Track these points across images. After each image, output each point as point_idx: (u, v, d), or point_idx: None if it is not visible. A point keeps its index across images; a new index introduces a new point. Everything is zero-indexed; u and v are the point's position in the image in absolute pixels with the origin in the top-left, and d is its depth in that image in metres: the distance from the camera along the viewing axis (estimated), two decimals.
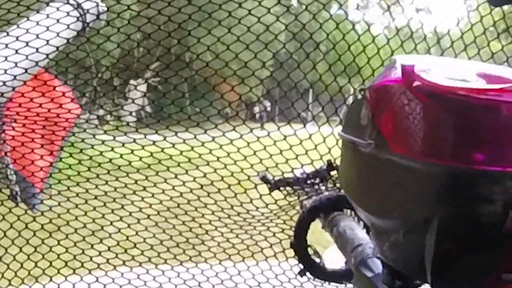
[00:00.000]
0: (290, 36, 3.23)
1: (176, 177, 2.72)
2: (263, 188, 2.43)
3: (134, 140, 2.72)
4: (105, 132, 2.79)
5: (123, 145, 2.78)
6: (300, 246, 1.92)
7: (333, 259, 1.90)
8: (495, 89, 0.88)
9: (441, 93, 0.88)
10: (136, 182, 2.72)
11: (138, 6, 2.98)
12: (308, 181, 2.26)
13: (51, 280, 2.93)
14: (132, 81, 3.04)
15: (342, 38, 3.08)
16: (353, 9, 5.70)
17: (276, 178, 2.32)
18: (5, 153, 2.60)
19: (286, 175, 2.35)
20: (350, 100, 3.83)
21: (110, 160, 2.77)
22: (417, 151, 0.90)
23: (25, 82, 2.33)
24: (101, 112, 3.47)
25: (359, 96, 1.10)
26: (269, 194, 2.42)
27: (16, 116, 2.45)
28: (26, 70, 2.28)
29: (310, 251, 1.92)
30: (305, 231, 1.92)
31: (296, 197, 2.35)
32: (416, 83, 0.91)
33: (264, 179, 2.32)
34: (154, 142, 2.80)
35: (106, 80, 3.15)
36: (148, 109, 3.77)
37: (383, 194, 1.01)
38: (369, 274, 1.29)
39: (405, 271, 1.07)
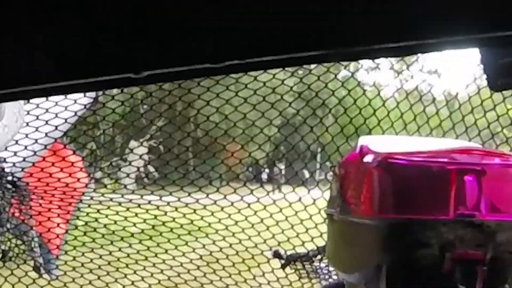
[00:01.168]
0: (301, 102, 3.49)
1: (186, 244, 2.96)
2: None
3: (139, 205, 2.97)
4: (102, 194, 3.02)
5: (127, 209, 3.00)
6: None
7: None
8: (428, 152, 1.12)
9: (381, 159, 1.12)
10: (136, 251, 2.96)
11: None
12: (319, 256, 2.46)
13: None
14: (132, 142, 3.29)
15: (354, 103, 3.33)
16: (363, 72, 5.98)
17: (288, 253, 2.52)
18: (31, 227, 2.89)
19: (298, 250, 2.57)
20: None
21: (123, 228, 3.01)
22: (367, 210, 1.14)
23: (44, 158, 2.66)
24: (98, 174, 3.72)
25: (331, 172, 1.38)
26: (282, 269, 2.61)
27: (36, 189, 2.75)
28: (45, 146, 2.60)
29: None
30: None
31: (306, 275, 2.54)
32: (366, 156, 1.16)
33: (277, 255, 2.52)
34: (158, 207, 3.02)
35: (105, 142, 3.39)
36: (150, 168, 3.99)
37: (348, 252, 1.25)
38: None
39: None
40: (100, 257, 2.98)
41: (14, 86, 0.49)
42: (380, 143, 1.21)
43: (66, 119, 2.65)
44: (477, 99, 3.09)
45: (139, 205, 3.01)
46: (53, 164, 2.73)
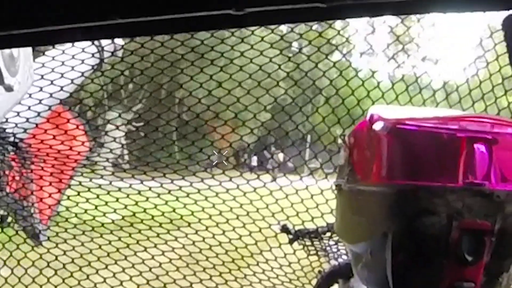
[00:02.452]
0: (291, 83, 3.50)
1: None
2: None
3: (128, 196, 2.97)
4: (82, 174, 3.01)
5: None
6: None
7: None
8: (439, 118, 1.15)
9: (391, 125, 1.15)
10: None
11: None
12: (328, 233, 2.49)
13: None
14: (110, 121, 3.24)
15: (346, 84, 3.35)
16: (357, 57, 6.02)
17: (297, 228, 2.55)
18: (32, 192, 2.88)
19: (307, 226, 2.61)
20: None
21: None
22: (375, 176, 1.17)
23: (48, 120, 2.63)
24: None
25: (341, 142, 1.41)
26: (290, 244, 2.64)
27: (39, 152, 2.73)
28: (50, 107, 2.58)
29: None
30: None
31: (315, 252, 2.57)
32: (375, 123, 1.19)
33: (285, 229, 2.55)
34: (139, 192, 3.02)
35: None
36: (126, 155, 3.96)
37: (355, 222, 1.28)
38: None
39: (374, 287, 1.30)
40: (82, 244, 2.98)
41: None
42: (391, 112, 1.23)
43: (72, 80, 2.63)
44: (477, 89, 3.11)
45: (119, 189, 3.01)
46: (57, 126, 2.71)
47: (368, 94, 3.27)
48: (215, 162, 3.27)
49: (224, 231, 2.93)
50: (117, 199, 3.00)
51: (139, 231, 3.01)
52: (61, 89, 2.62)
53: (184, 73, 2.87)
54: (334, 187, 1.44)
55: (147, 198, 3.03)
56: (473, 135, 1.10)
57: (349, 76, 3.56)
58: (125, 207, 3.01)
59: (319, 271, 2.18)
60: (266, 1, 0.49)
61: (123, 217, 3.18)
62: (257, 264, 3.00)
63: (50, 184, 2.87)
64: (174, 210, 3.05)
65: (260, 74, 2.96)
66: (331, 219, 2.58)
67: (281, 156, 5.17)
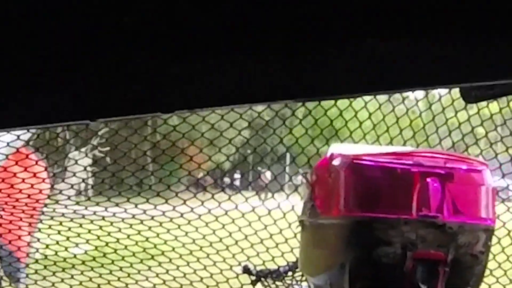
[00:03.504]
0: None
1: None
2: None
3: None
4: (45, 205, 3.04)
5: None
6: None
7: None
8: (394, 154, 1.25)
9: (349, 161, 1.25)
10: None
11: None
12: (289, 272, 2.54)
13: None
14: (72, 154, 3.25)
15: (318, 104, 3.40)
16: None
17: (258, 269, 2.60)
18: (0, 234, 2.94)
19: (268, 267, 2.65)
20: None
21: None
22: (334, 210, 1.27)
23: (5, 169, 2.69)
24: None
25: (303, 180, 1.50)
26: (253, 286, 2.67)
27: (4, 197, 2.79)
28: (6, 156, 2.63)
29: None
30: None
31: None
32: (334, 159, 1.29)
33: (246, 270, 2.59)
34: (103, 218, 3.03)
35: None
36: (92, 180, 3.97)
37: (316, 255, 1.38)
38: None
39: None
40: (62, 280, 3.01)
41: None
42: (350, 149, 1.33)
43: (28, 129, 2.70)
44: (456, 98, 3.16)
45: (91, 221, 3.01)
46: (14, 174, 2.78)
47: (341, 114, 3.31)
48: (201, 185, 3.27)
49: (198, 259, 2.94)
50: (89, 231, 3.02)
51: (112, 262, 3.03)
52: (18, 138, 2.68)
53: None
54: (298, 223, 1.53)
55: (120, 229, 3.04)
56: (426, 170, 1.20)
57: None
58: (98, 238, 3.02)
59: None
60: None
61: (96, 248, 3.19)
62: None
63: (21, 219, 2.92)
64: (147, 239, 3.06)
65: None
66: (292, 257, 2.64)
67: (268, 174, 5.15)
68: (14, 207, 2.77)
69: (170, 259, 2.97)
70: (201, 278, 2.86)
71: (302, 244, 1.49)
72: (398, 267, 1.17)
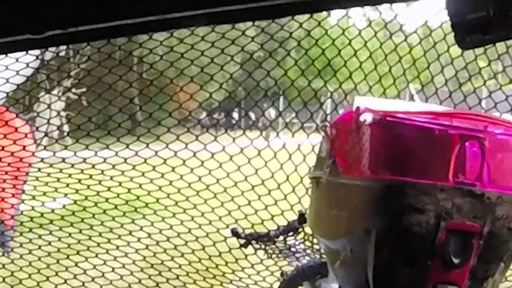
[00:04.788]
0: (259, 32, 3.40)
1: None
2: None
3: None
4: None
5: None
6: None
7: None
8: (429, 113, 1.15)
9: (380, 117, 1.15)
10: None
11: None
12: (280, 236, 2.49)
13: None
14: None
15: (315, 43, 3.28)
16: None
17: (247, 232, 2.54)
18: None
19: (258, 230, 2.60)
20: (328, 103, 4.05)
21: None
22: (360, 170, 1.18)
23: None
24: None
25: (322, 133, 1.40)
26: (240, 248, 2.62)
27: None
28: None
29: None
30: None
31: (271, 256, 2.57)
32: (362, 114, 1.19)
33: (235, 233, 2.53)
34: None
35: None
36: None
37: (335, 217, 1.28)
38: None
39: (352, 286, 1.31)
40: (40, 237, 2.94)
41: None
42: (377, 104, 1.23)
43: (7, 79, 2.56)
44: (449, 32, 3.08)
45: (72, 165, 2.91)
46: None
47: (333, 42, 3.18)
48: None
49: (184, 210, 2.86)
50: (67, 185, 2.91)
51: (93, 216, 2.95)
52: None
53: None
54: (310, 180, 1.44)
55: (100, 181, 2.92)
56: (466, 132, 1.11)
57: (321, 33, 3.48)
58: (77, 191, 2.93)
59: (281, 274, 2.19)
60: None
61: (75, 201, 3.11)
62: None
63: (4, 181, 2.82)
64: (129, 191, 2.97)
65: (225, 27, 2.85)
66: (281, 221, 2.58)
67: (272, 112, 5.04)
68: None
69: (155, 211, 2.90)
70: (189, 230, 2.80)
71: (315, 203, 1.42)
72: (429, 237, 1.11)
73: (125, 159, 2.88)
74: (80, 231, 2.91)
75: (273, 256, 2.58)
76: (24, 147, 2.70)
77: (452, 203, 1.09)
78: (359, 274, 1.20)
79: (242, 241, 2.45)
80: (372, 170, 1.14)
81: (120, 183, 2.84)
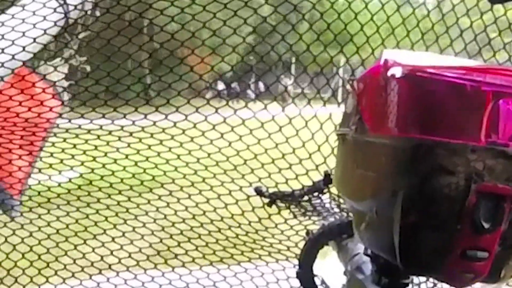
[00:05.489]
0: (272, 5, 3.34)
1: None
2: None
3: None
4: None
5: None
6: (306, 276, 2.04)
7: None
8: (461, 68, 1.09)
9: (409, 72, 1.09)
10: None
11: None
12: (305, 196, 2.46)
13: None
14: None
15: (331, 6, 3.22)
16: None
17: (271, 191, 2.51)
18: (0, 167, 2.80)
19: (282, 189, 2.57)
20: (341, 73, 4.00)
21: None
22: (387, 128, 1.12)
23: (12, 85, 2.56)
24: None
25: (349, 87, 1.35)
26: (264, 208, 2.59)
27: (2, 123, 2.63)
28: (12, 70, 2.51)
29: (317, 281, 2.05)
30: (311, 259, 2.04)
31: (298, 215, 2.54)
32: (391, 68, 1.13)
33: (259, 192, 2.50)
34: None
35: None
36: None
37: (360, 177, 1.23)
38: (361, 277, 1.51)
39: (378, 250, 1.27)
40: (58, 219, 2.92)
41: None
42: (408, 58, 1.17)
43: (34, 39, 2.52)
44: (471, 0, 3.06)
45: (74, 145, 2.88)
46: (22, 91, 2.62)
47: (356, 17, 3.15)
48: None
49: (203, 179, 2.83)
50: (73, 156, 2.90)
51: (99, 189, 2.93)
52: (23, 50, 2.50)
53: None
54: (336, 137, 1.39)
55: (108, 142, 2.90)
56: (500, 89, 1.05)
57: None
58: (82, 163, 2.92)
59: (307, 233, 2.16)
60: None
61: (81, 175, 3.09)
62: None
63: (20, 157, 2.79)
64: (147, 159, 2.94)
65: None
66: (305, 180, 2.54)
67: (289, 82, 4.98)
68: (12, 132, 2.63)
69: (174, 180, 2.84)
70: (211, 187, 2.77)
71: (341, 162, 1.36)
72: (459, 200, 1.06)
73: (143, 128, 2.84)
74: (88, 205, 2.90)
75: (298, 215, 2.56)
76: (51, 109, 2.69)
77: (484, 165, 1.04)
78: (385, 237, 1.15)
79: (266, 200, 2.43)
80: (400, 128, 1.09)
81: (138, 151, 2.81)
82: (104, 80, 2.98)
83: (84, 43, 3.28)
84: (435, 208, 1.08)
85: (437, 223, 1.09)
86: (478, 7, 2.95)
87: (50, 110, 2.75)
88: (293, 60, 3.91)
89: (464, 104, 1.06)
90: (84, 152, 2.84)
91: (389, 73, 1.13)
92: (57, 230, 2.99)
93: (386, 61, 1.15)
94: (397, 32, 3.04)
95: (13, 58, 2.50)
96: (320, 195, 2.45)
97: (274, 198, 2.46)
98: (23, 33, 2.49)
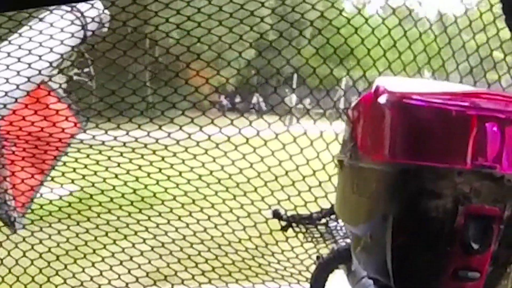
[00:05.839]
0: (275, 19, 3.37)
1: None
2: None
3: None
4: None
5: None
6: None
7: None
8: (447, 94, 1.12)
9: (396, 99, 1.13)
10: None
11: None
12: (323, 220, 2.47)
13: None
14: None
15: (329, 23, 3.24)
16: None
17: (289, 214, 2.52)
18: (4, 177, 2.87)
19: (300, 212, 2.58)
20: (343, 86, 4.02)
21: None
22: (378, 154, 1.16)
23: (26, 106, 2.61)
24: None
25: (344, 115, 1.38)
26: (282, 231, 2.60)
27: (11, 136, 2.69)
28: (27, 92, 2.56)
29: None
30: (322, 283, 2.05)
31: (310, 240, 2.55)
32: (381, 96, 1.17)
33: (276, 215, 2.51)
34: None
35: None
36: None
37: (355, 202, 1.28)
38: None
39: (373, 272, 1.30)
40: (58, 232, 2.94)
41: None
42: (398, 84, 1.20)
43: (51, 63, 2.57)
44: (465, 20, 3.09)
45: (75, 159, 2.89)
46: (35, 112, 2.67)
47: (356, 31, 3.17)
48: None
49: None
50: (74, 169, 2.93)
51: (100, 204, 2.95)
52: (39, 73, 2.58)
53: (158, 15, 2.74)
54: (336, 163, 1.42)
55: (107, 167, 2.92)
56: (485, 113, 1.08)
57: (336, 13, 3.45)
58: (83, 177, 2.95)
59: (317, 257, 2.18)
60: None
61: (81, 188, 3.12)
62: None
63: (23, 169, 2.83)
64: (160, 171, 2.96)
65: (241, 12, 2.83)
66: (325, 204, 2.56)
67: (294, 97, 4.98)
68: (24, 149, 2.68)
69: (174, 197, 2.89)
70: (231, 209, 2.76)
71: (340, 187, 1.40)
72: (447, 222, 1.08)
73: (146, 145, 2.87)
74: (88, 219, 2.92)
75: (313, 240, 2.57)
76: (63, 130, 2.73)
77: (471, 187, 1.07)
78: (378, 260, 1.18)
79: (284, 223, 2.44)
80: (390, 154, 1.12)
81: (139, 167, 2.83)
82: (108, 98, 3.02)
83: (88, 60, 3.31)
84: (425, 231, 1.11)
85: (427, 245, 1.12)
86: (481, 19, 2.97)
87: (63, 131, 2.80)
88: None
89: (450, 128, 1.09)
90: (85, 166, 2.87)
91: (379, 101, 1.16)
92: (58, 244, 3.02)
93: (377, 88, 1.19)
94: (399, 46, 3.05)
95: (29, 67, 2.55)
96: (337, 218, 2.46)
97: (292, 221, 2.48)
98: (40, 43, 2.54)
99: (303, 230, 2.53)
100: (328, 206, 2.62)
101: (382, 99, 1.15)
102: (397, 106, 1.12)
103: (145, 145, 2.90)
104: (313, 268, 2.12)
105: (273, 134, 2.87)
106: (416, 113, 1.10)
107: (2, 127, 2.70)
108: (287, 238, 2.78)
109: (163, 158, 2.88)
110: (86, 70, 3.11)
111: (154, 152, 2.88)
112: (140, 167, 2.92)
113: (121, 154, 2.89)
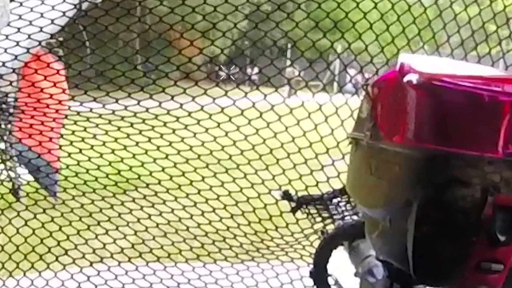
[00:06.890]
0: None
1: None
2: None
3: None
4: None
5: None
6: (319, 275, 2.04)
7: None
8: (478, 77, 1.07)
9: (425, 80, 1.07)
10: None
11: None
12: (334, 200, 2.43)
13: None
14: None
15: None
16: None
17: (300, 195, 2.47)
18: (11, 144, 2.90)
19: (311, 193, 2.54)
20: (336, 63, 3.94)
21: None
22: (402, 137, 1.10)
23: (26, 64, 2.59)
24: None
25: (363, 92, 1.34)
26: (293, 213, 2.55)
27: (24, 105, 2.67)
28: (28, 50, 2.52)
29: (330, 280, 2.05)
30: (326, 259, 2.04)
31: (319, 219, 2.51)
32: (407, 75, 1.11)
33: (286, 196, 2.46)
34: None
35: None
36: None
37: (374, 184, 1.23)
38: (372, 280, 1.51)
39: (390, 258, 1.26)
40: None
41: None
42: (424, 63, 1.14)
43: (52, 20, 2.53)
44: None
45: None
46: (36, 71, 2.66)
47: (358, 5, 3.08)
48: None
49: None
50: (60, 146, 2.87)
51: (85, 182, 2.91)
52: (41, 30, 2.52)
53: None
54: (349, 140, 1.37)
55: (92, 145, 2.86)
56: None
57: None
58: (69, 155, 2.89)
59: (322, 232, 2.14)
60: None
61: (67, 166, 3.06)
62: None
63: (51, 139, 2.80)
64: (131, 169, 2.92)
65: None
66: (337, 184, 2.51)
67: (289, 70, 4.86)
68: (34, 108, 2.62)
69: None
70: (241, 189, 2.72)
71: (354, 166, 1.35)
72: (474, 213, 1.04)
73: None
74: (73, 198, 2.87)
75: (317, 220, 2.53)
76: (63, 90, 2.67)
77: (501, 177, 1.03)
78: (398, 247, 1.15)
79: (293, 204, 2.40)
80: (416, 138, 1.07)
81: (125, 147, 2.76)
82: (98, 65, 2.94)
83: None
84: (450, 220, 1.07)
85: (451, 235, 1.08)
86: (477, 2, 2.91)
87: (63, 91, 2.78)
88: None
89: (481, 114, 1.04)
90: (71, 143, 2.82)
91: (404, 80, 1.10)
92: (43, 224, 2.99)
93: (402, 67, 1.13)
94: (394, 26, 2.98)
95: (29, 37, 2.51)
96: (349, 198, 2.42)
97: (302, 202, 2.43)
98: (41, 14, 2.50)
99: (312, 211, 2.49)
100: (324, 179, 2.57)
101: (408, 79, 1.10)
102: (425, 88, 1.07)
103: (135, 114, 2.82)
104: (317, 243, 2.10)
105: (268, 106, 2.80)
106: (445, 96, 1.05)
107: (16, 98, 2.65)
108: (297, 220, 2.74)
109: (153, 128, 2.81)
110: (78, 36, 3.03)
111: (143, 121, 2.81)
112: (128, 135, 2.85)
113: (110, 122, 2.82)
